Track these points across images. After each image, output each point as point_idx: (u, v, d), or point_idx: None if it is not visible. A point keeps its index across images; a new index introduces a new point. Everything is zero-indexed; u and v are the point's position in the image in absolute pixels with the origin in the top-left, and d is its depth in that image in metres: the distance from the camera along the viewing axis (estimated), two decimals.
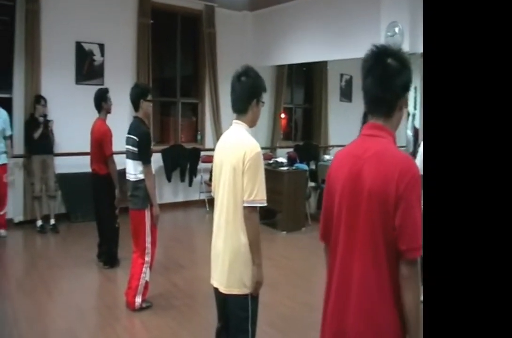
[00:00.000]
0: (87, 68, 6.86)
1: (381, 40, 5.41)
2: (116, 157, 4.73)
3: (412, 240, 1.40)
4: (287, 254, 5.64)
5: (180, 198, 7.98)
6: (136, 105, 3.86)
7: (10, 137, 5.94)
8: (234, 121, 2.38)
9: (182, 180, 7.78)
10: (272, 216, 6.80)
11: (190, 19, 8.09)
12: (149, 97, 3.91)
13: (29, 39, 6.20)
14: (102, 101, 4.72)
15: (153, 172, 3.83)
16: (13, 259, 5.33)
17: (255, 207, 2.24)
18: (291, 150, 9.20)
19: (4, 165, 5.85)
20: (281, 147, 9.29)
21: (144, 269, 3.82)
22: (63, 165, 6.45)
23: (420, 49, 5.05)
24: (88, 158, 4.95)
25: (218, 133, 7.89)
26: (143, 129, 3.82)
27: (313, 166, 8.56)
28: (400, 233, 1.42)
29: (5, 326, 3.54)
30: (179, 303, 4.07)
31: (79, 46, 6.76)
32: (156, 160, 5.91)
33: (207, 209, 7.65)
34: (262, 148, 2.54)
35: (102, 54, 6.98)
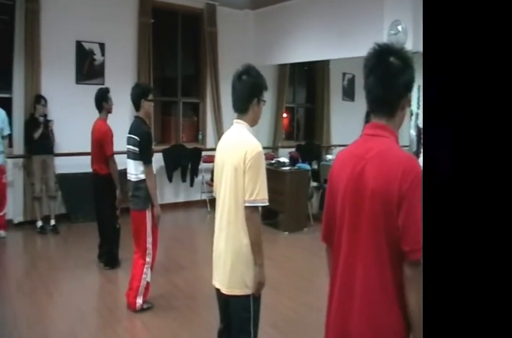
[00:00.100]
0: (88, 67, 6.83)
1: (384, 39, 5.38)
2: (117, 157, 4.71)
3: (416, 240, 1.37)
4: (289, 255, 5.63)
5: (181, 199, 7.96)
6: (137, 105, 3.84)
7: (9, 136, 5.91)
8: (235, 120, 2.37)
9: (183, 180, 7.76)
10: (274, 216, 6.78)
11: (191, 18, 8.06)
12: (150, 97, 3.89)
13: (29, 39, 6.17)
14: (103, 101, 4.71)
15: (154, 172, 3.82)
16: (13, 260, 5.31)
17: (257, 207, 2.23)
18: (293, 150, 9.18)
19: (3, 165, 5.82)
20: (283, 147, 9.27)
21: (145, 270, 3.80)
22: (63, 165, 6.43)
23: None
24: (88, 158, 4.93)
25: (219, 133, 7.86)
26: (144, 129, 3.81)
27: (315, 166, 8.51)
28: (403, 233, 1.41)
29: (4, 328, 3.51)
30: (180, 304, 4.06)
31: (79, 45, 6.73)
32: (157, 160, 5.89)
33: (209, 209, 7.63)
34: (264, 148, 2.54)
35: (103, 54, 6.95)
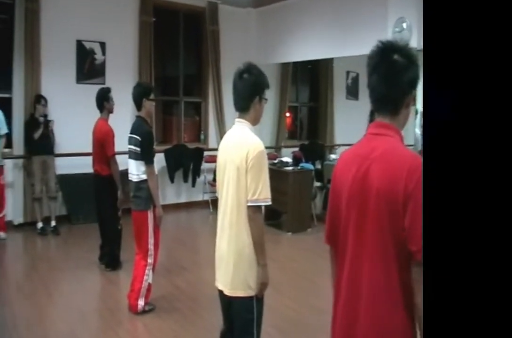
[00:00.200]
0: (88, 67, 6.80)
1: (389, 36, 5.32)
2: (119, 157, 4.70)
3: None
4: (292, 256, 5.61)
5: (183, 199, 7.92)
6: (138, 104, 3.83)
7: (6, 136, 5.88)
8: (237, 119, 2.36)
9: (185, 180, 7.73)
10: (277, 216, 6.75)
11: (193, 17, 8.03)
12: (152, 96, 3.88)
13: (28, 38, 6.13)
14: (104, 101, 4.69)
15: (156, 172, 3.81)
16: (13, 262, 5.31)
17: (260, 207, 2.22)
18: (296, 149, 9.12)
19: (1, 167, 5.80)
20: (286, 147, 9.23)
21: (146, 271, 3.79)
22: (63, 166, 6.40)
23: None
24: (89, 158, 4.92)
25: (221, 133, 7.83)
26: (145, 128, 3.80)
27: (318, 166, 8.50)
28: (409, 233, 1.38)
29: (4, 329, 3.50)
30: (182, 306, 4.04)
31: (79, 44, 6.70)
32: (159, 160, 5.86)
33: (211, 210, 7.61)
34: (267, 147, 2.53)
35: (104, 53, 6.92)
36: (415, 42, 5.16)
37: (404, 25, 5.36)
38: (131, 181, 3.79)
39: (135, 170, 3.73)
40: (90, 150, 4.87)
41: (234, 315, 2.35)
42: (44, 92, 6.24)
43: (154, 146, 3.87)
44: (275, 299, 4.00)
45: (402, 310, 1.43)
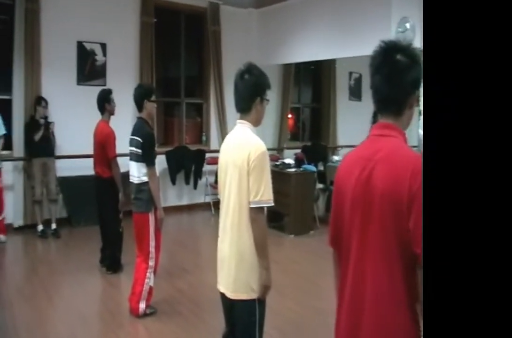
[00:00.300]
0: (89, 68, 6.78)
1: (392, 37, 5.27)
2: (120, 159, 4.68)
3: None
4: (295, 258, 5.60)
5: (185, 201, 7.89)
6: (139, 106, 3.83)
7: (4, 137, 5.85)
8: (238, 121, 2.35)
9: (187, 182, 7.69)
10: (279, 219, 6.71)
11: (194, 17, 7.99)
12: (153, 98, 3.87)
13: (29, 39, 6.10)
14: (105, 103, 4.67)
15: (157, 174, 3.79)
16: (13, 265, 5.29)
17: (262, 208, 2.21)
18: (298, 151, 9.09)
19: None
20: (288, 148, 9.18)
21: (148, 274, 3.78)
22: (64, 168, 6.37)
23: None
24: (90, 160, 4.91)
25: (223, 134, 7.79)
26: (147, 130, 3.78)
27: (321, 167, 8.48)
28: (414, 235, 1.36)
29: (4, 333, 3.50)
30: (184, 309, 4.02)
31: (80, 45, 6.67)
32: (160, 162, 5.81)
33: (213, 212, 7.58)
34: (269, 149, 2.53)
35: (104, 54, 6.89)
36: (419, 42, 5.08)
37: (408, 25, 5.33)
38: (132, 183, 3.77)
39: (136, 172, 3.72)
40: (91, 152, 4.85)
41: (236, 318, 2.34)
42: (44, 94, 6.21)
43: (156, 148, 3.86)
44: (278, 301, 3.99)
45: (407, 312, 1.42)
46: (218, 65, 7.97)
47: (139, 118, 3.85)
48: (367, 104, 2.16)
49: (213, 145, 8.04)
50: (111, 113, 4.72)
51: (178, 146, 7.76)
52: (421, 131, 5.25)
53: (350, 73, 10.21)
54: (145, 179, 3.69)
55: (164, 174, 7.20)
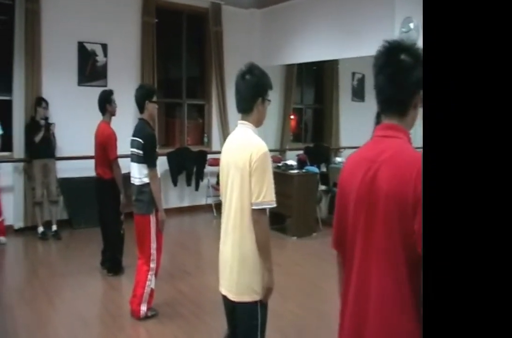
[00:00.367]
0: (90, 69, 6.75)
1: (395, 37, 5.22)
2: (121, 161, 4.66)
3: None
4: (298, 260, 5.57)
5: (186, 203, 7.87)
6: (141, 107, 3.82)
7: (1, 137, 5.83)
8: (239, 121, 2.34)
9: (189, 184, 7.66)
10: (281, 221, 6.70)
11: (196, 18, 7.97)
12: (155, 99, 3.87)
13: (29, 39, 6.08)
14: (106, 103, 4.66)
15: (159, 175, 3.78)
16: (13, 267, 5.29)
17: (264, 209, 2.20)
18: (301, 152, 9.01)
19: None
20: (290, 149, 9.15)
21: (149, 276, 3.77)
22: (65, 170, 6.35)
23: None
24: (90, 162, 4.90)
25: (225, 135, 7.74)
26: (148, 131, 3.78)
27: (324, 169, 8.42)
28: (419, 236, 1.33)
29: (5, 336, 3.50)
30: (186, 311, 4.01)
31: (81, 46, 6.64)
32: (162, 163, 5.82)
33: (214, 214, 7.55)
34: (271, 150, 2.50)
35: (105, 55, 6.87)
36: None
37: (411, 25, 5.32)
38: (133, 184, 3.76)
39: (137, 174, 3.71)
40: (91, 153, 4.84)
41: (238, 320, 2.32)
42: (45, 95, 6.18)
43: (157, 149, 3.86)
44: (280, 304, 3.98)
45: (411, 313, 1.40)
46: (220, 65, 7.94)
47: (140, 119, 3.83)
48: (370, 105, 2.13)
49: (215, 146, 8.01)
50: (112, 114, 4.71)
51: (179, 147, 7.74)
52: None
53: (353, 74, 10.16)
54: (146, 180, 3.68)
55: (166, 176, 7.17)
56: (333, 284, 1.79)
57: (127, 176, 3.96)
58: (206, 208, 7.82)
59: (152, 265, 3.75)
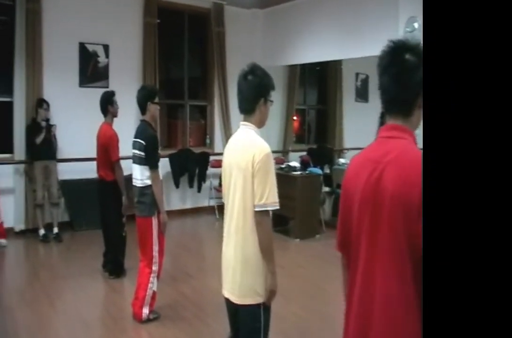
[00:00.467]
0: (91, 70, 6.73)
1: (400, 36, 5.18)
2: (123, 162, 4.64)
3: None
4: (301, 262, 5.57)
5: (189, 205, 7.85)
6: (143, 108, 3.82)
7: None
8: (242, 122, 2.33)
9: (191, 186, 7.64)
10: (284, 223, 6.67)
11: (198, 18, 7.94)
12: (156, 100, 3.87)
13: (30, 40, 6.07)
14: (108, 105, 4.64)
15: (161, 177, 3.77)
16: (14, 269, 5.28)
17: (267, 211, 2.18)
18: (304, 153, 9.01)
19: None
20: (293, 151, 9.12)
21: (151, 278, 3.75)
22: (66, 171, 6.33)
23: None
24: (92, 163, 4.91)
25: (227, 137, 7.74)
26: (150, 132, 3.78)
27: (327, 170, 8.38)
28: None
29: None
30: (188, 314, 4.00)
31: (82, 47, 6.63)
32: (164, 165, 5.78)
33: (217, 216, 7.54)
34: (274, 151, 2.48)
35: (107, 55, 6.84)
36: None
37: (416, 25, 5.28)
38: (135, 186, 3.75)
39: (139, 175, 3.70)
40: (93, 155, 4.82)
41: (241, 323, 2.32)
42: (46, 96, 6.16)
43: (159, 151, 3.85)
44: (283, 306, 3.96)
45: (416, 313, 1.39)
46: (222, 66, 7.91)
47: (142, 121, 3.82)
48: (374, 106, 2.09)
49: (217, 148, 7.97)
50: (114, 115, 4.69)
51: (181, 148, 7.71)
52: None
53: (357, 74, 10.12)
54: (148, 182, 3.67)
55: (168, 177, 7.15)
56: (336, 286, 1.80)
57: (129, 178, 3.94)
58: (209, 210, 7.79)
59: (154, 267, 3.75)
